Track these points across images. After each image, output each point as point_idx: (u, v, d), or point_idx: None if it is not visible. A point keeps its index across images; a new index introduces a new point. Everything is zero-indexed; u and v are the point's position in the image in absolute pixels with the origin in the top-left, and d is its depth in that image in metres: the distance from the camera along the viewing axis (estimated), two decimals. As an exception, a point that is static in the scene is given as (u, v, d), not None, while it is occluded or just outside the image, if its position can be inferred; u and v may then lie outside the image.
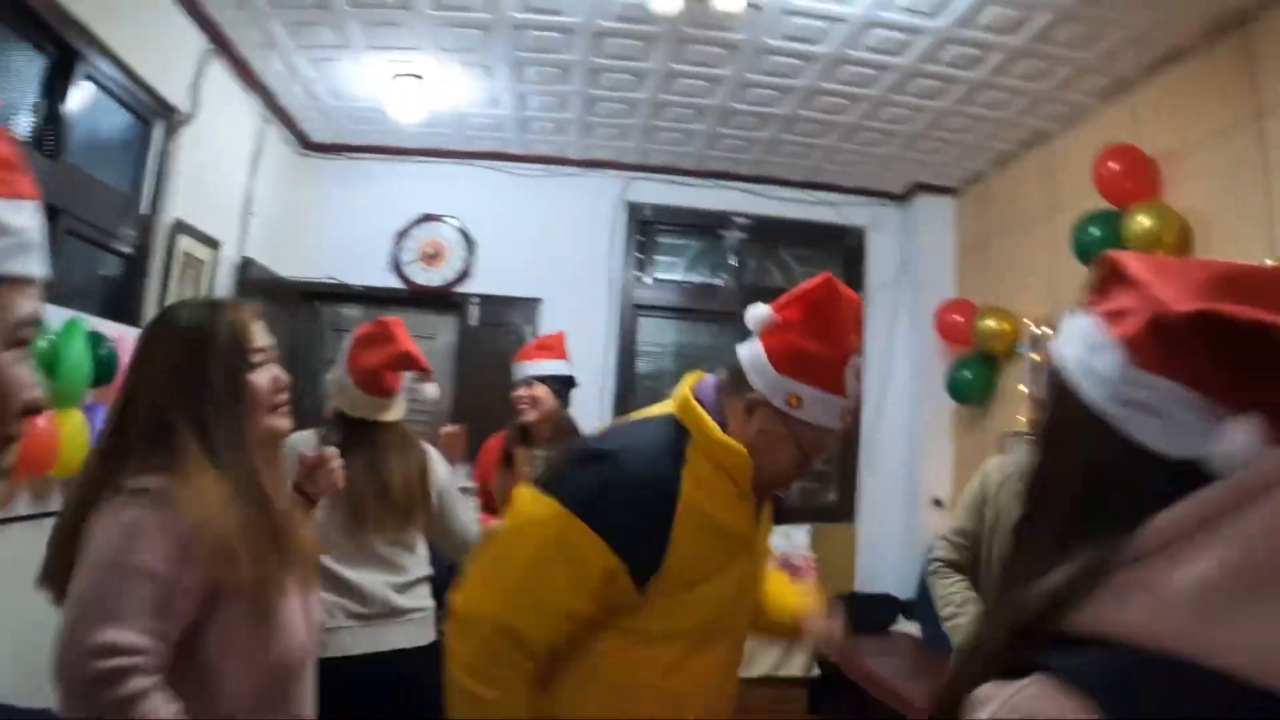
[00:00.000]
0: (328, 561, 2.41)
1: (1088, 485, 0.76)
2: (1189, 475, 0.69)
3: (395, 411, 2.66)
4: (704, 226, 5.66)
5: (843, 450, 5.70)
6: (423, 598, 2.68)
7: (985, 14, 3.45)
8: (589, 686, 1.58)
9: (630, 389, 5.47)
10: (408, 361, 2.61)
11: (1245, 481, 0.66)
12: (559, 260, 5.41)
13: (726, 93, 4.33)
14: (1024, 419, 4.59)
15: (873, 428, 5.70)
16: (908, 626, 5.16)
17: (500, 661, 1.49)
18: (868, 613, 5.11)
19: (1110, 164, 3.82)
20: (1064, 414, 0.80)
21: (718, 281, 5.71)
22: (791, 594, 1.99)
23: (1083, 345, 0.79)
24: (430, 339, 5.37)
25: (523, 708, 1.50)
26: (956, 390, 5.13)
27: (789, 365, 1.59)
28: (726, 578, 1.64)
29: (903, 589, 5.31)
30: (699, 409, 1.64)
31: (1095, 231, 3.90)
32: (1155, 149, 3.80)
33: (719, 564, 1.62)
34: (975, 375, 5.01)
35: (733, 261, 5.68)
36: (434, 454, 2.77)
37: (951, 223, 5.65)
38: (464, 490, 3.10)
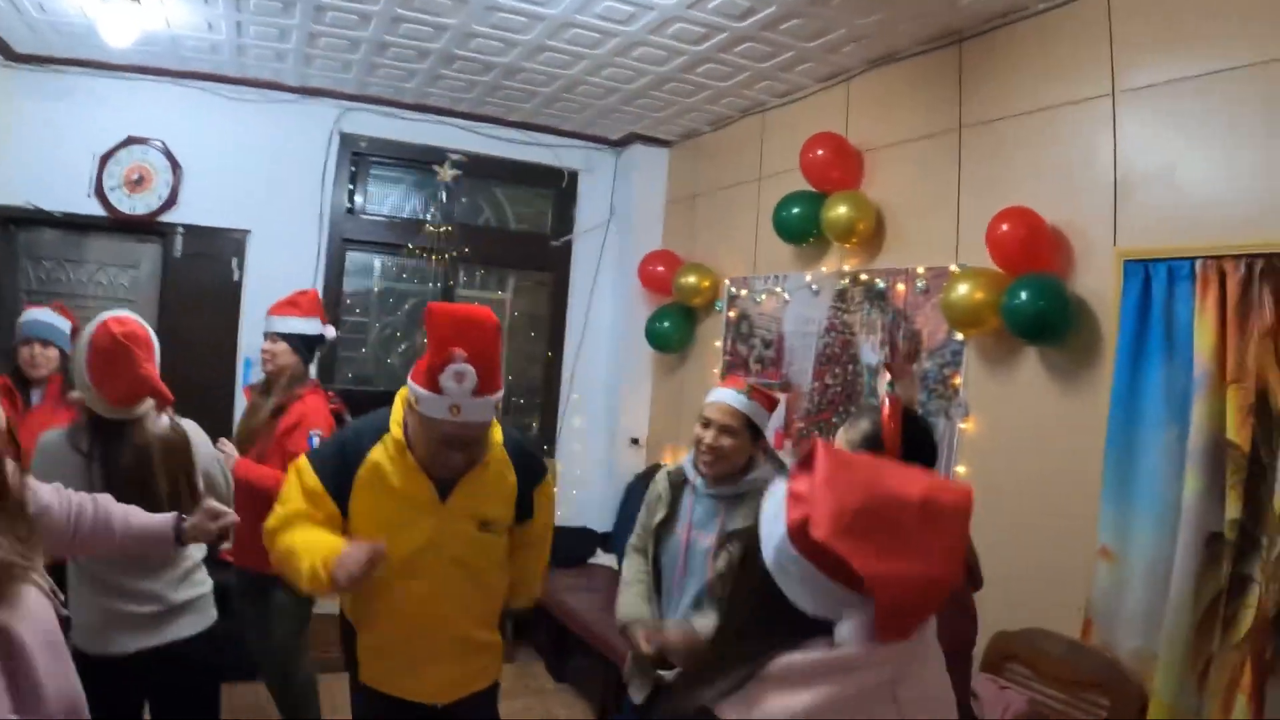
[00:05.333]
0: (98, 567, 2.38)
1: (755, 612, 1.07)
2: (821, 627, 1.00)
3: (148, 406, 2.48)
4: (418, 161, 5.51)
5: (544, 386, 5.90)
6: (199, 584, 2.60)
7: (715, 1, 3.59)
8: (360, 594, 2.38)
9: (336, 324, 5.28)
10: (149, 389, 2.41)
11: (843, 658, 0.97)
12: (269, 190, 5.09)
13: (451, 40, 4.21)
14: (716, 371, 4.99)
15: (574, 367, 5.93)
16: (605, 559, 5.50)
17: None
18: (567, 546, 5.36)
19: (818, 150, 4.12)
20: (752, 557, 1.09)
21: (427, 217, 5.59)
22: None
23: (772, 510, 1.08)
24: (133, 269, 5.02)
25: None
26: (654, 338, 5.40)
27: (411, 373, 2.26)
28: (415, 530, 2.31)
29: (601, 523, 5.64)
30: (398, 403, 2.36)
31: (795, 210, 4.24)
32: (861, 140, 4.16)
33: (403, 518, 2.31)
34: (673, 325, 5.29)
35: (443, 197, 5.58)
36: (193, 432, 2.64)
37: (663, 175, 5.87)
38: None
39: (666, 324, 5.30)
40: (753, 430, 2.65)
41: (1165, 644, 2.66)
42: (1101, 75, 3.09)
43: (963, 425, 3.51)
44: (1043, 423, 3.20)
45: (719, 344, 5.06)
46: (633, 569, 2.85)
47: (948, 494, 1.04)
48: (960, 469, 3.46)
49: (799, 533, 0.99)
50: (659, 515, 2.78)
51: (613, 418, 5.83)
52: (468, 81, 4.86)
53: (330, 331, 3.73)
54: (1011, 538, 3.11)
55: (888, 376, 3.73)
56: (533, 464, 2.59)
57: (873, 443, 2.06)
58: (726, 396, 2.67)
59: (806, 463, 1.06)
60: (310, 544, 2.20)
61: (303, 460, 2.39)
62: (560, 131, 5.74)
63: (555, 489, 5.58)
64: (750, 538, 1.10)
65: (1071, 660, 2.89)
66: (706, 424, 2.65)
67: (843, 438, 2.14)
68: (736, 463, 2.64)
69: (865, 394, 3.98)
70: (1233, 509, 2.54)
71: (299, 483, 2.34)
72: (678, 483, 2.79)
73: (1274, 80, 2.59)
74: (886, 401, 2.12)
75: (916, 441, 2.11)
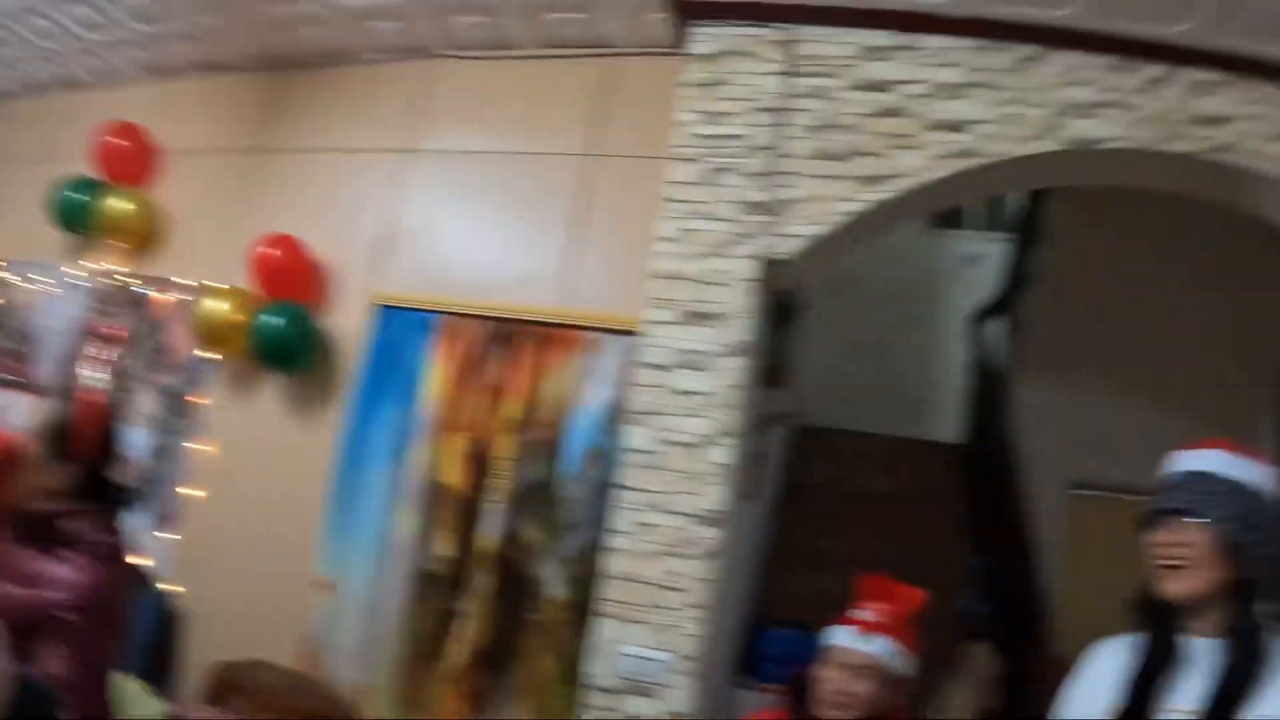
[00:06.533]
0: None
1: None
2: None
3: None
4: None
5: None
6: None
7: None
8: None
9: None
10: None
11: None
12: None
13: None
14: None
15: None
16: None
17: None
18: None
19: (115, 139, 3.91)
20: None
21: None
22: None
23: None
24: None
25: None
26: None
27: None
28: None
29: None
30: None
31: (76, 196, 3.94)
32: (165, 140, 3.99)
33: None
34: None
35: None
36: None
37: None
38: None
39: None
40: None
41: (382, 676, 2.85)
42: (402, 132, 3.45)
43: (199, 446, 3.46)
44: (277, 452, 3.32)
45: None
46: None
47: None
48: (197, 491, 3.39)
49: None
50: None
51: None
52: None
53: None
54: (239, 566, 3.13)
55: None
56: None
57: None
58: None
59: None
60: None
61: None
62: None
63: None
64: None
65: (290, 692, 2.90)
66: None
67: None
68: None
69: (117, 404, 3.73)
70: (446, 548, 2.84)
71: None
72: None
73: (538, 170, 3.17)
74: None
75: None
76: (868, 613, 2.08)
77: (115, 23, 3.81)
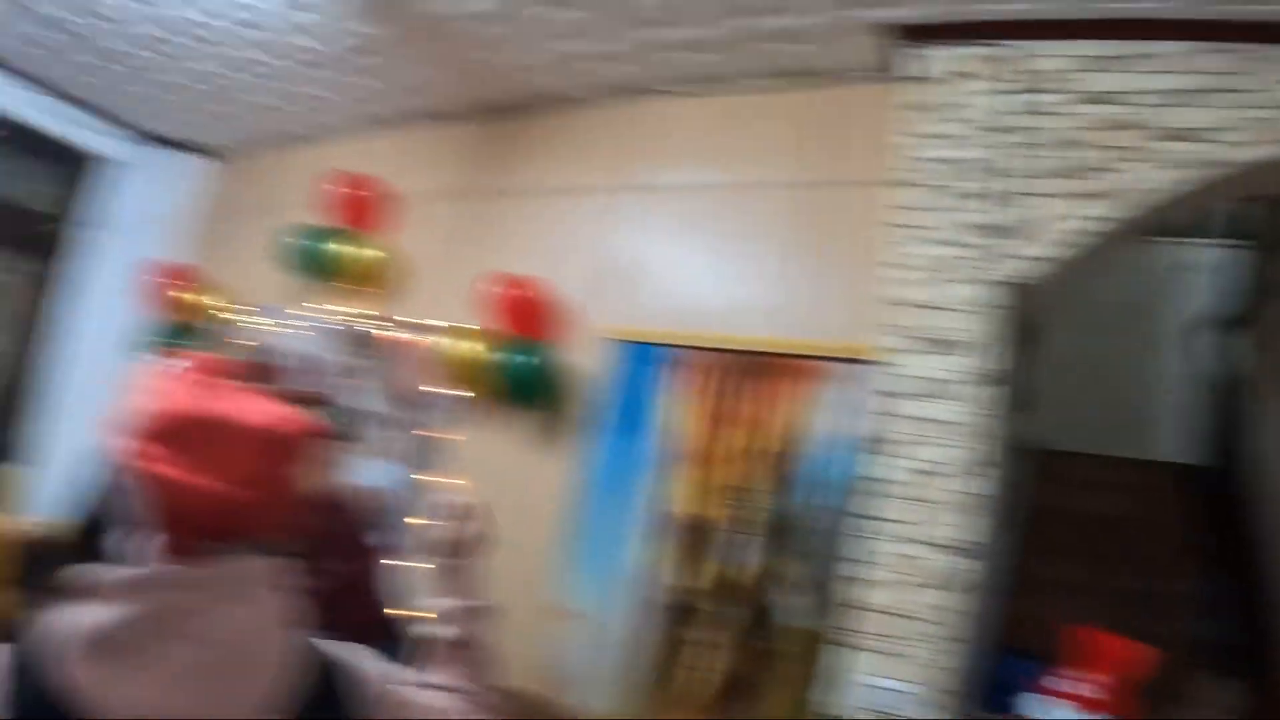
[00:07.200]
0: None
1: (94, 521, 1.04)
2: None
3: None
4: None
5: (8, 390, 5.18)
6: None
7: (302, 16, 3.56)
8: None
9: None
10: None
11: (128, 576, 0.98)
12: None
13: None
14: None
15: (51, 369, 5.30)
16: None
17: None
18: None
19: (354, 189, 4.20)
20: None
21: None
22: None
23: None
24: None
25: None
26: (139, 349, 5.01)
27: None
28: None
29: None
30: None
31: (318, 245, 4.25)
32: (400, 188, 4.25)
33: None
34: (161, 340, 4.90)
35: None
36: None
37: (195, 185, 5.57)
38: None
39: (156, 336, 4.94)
40: None
41: (620, 704, 2.91)
42: (624, 170, 3.59)
43: (439, 479, 3.66)
44: (517, 483, 3.43)
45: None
46: None
47: (260, 416, 1.03)
48: (433, 521, 3.57)
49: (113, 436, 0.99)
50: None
51: (85, 428, 5.24)
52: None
53: None
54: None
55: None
56: None
57: None
58: None
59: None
60: None
61: None
62: (100, 110, 5.17)
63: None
64: None
65: (505, 710, 3.01)
66: None
67: None
68: None
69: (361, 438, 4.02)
70: (685, 577, 2.88)
71: None
72: None
73: (763, 201, 3.23)
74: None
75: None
76: (1086, 686, 1.89)
77: (340, 81, 4.10)
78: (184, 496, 0.96)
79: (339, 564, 2.18)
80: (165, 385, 1.03)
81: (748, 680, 2.80)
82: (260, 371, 3.87)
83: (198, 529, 0.99)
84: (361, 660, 1.13)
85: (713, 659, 2.83)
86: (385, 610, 1.51)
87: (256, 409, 1.04)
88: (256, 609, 1.03)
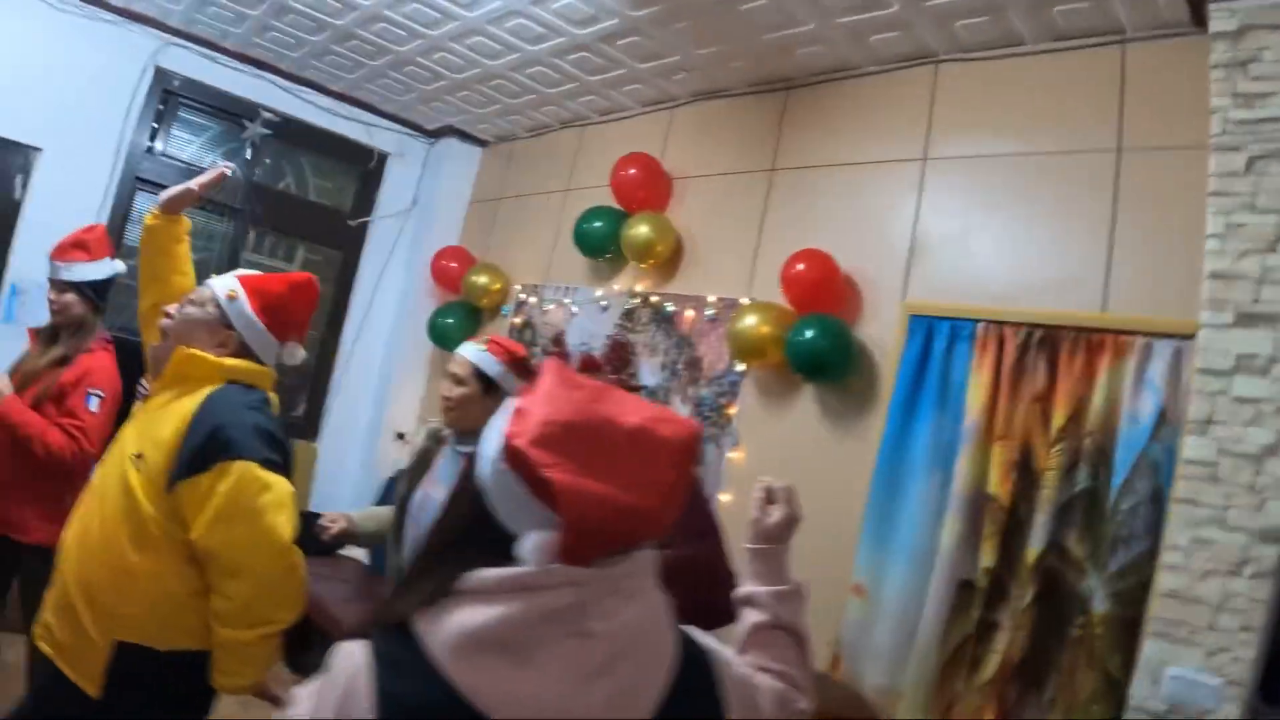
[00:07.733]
0: None
1: (467, 526, 1.03)
2: (510, 543, 0.97)
3: None
4: (228, 112, 5.19)
5: (315, 369, 5.63)
6: None
7: (560, 1, 3.63)
8: None
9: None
10: None
11: (522, 576, 0.94)
12: (71, 112, 4.56)
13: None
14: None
15: (350, 352, 5.70)
16: (356, 551, 5.26)
17: None
18: (318, 533, 5.09)
19: (629, 170, 4.24)
20: (468, 477, 1.06)
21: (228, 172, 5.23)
22: None
23: (495, 425, 1.04)
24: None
25: None
26: (435, 334, 5.31)
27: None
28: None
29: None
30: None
31: (598, 225, 4.33)
32: (674, 167, 4.30)
33: None
34: (456, 323, 5.21)
35: (248, 154, 5.26)
36: None
37: (472, 172, 5.85)
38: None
39: (450, 320, 5.23)
40: (486, 382, 2.56)
41: (911, 683, 2.81)
42: (914, 141, 3.39)
43: (731, 454, 3.64)
44: (811, 459, 3.36)
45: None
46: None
47: (666, 426, 1.02)
48: (725, 497, 3.58)
49: (508, 444, 0.97)
50: (407, 466, 2.70)
51: (380, 409, 5.65)
52: (296, 39, 4.67)
53: (119, 266, 3.35)
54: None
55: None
56: (210, 442, 1.96)
57: None
58: (462, 349, 2.63)
59: (533, 378, 1.06)
60: None
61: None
62: (378, 110, 5.59)
63: (313, 472, 5.40)
64: (472, 461, 1.06)
65: (817, 691, 2.99)
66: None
67: None
68: (475, 415, 2.51)
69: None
70: (987, 558, 2.75)
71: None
72: (434, 440, 2.72)
73: (1064, 169, 2.95)
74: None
75: None
76: None
77: (616, 63, 4.12)
78: (592, 506, 0.93)
79: (695, 544, 2.16)
80: (547, 388, 1.02)
81: (1044, 664, 2.65)
82: (619, 359, 3.97)
83: (604, 537, 0.96)
84: (718, 645, 1.14)
85: (1008, 641, 2.68)
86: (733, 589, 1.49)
87: (634, 410, 1.02)
88: (648, 602, 1.03)
